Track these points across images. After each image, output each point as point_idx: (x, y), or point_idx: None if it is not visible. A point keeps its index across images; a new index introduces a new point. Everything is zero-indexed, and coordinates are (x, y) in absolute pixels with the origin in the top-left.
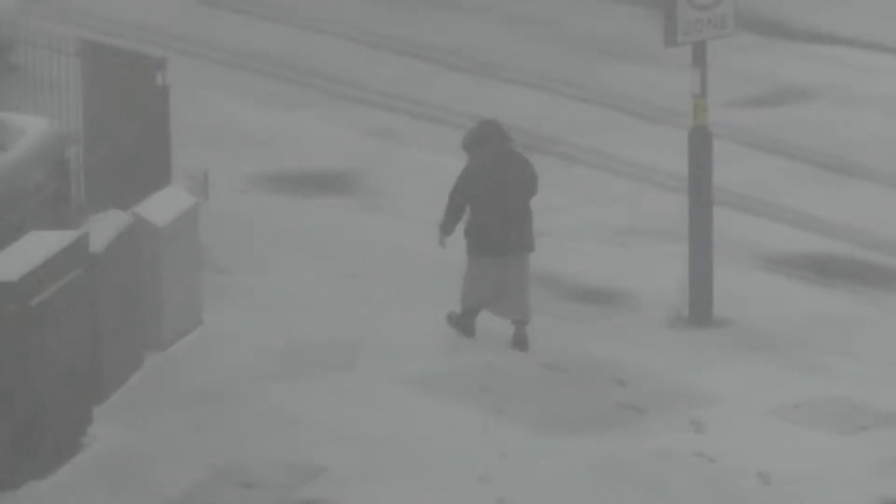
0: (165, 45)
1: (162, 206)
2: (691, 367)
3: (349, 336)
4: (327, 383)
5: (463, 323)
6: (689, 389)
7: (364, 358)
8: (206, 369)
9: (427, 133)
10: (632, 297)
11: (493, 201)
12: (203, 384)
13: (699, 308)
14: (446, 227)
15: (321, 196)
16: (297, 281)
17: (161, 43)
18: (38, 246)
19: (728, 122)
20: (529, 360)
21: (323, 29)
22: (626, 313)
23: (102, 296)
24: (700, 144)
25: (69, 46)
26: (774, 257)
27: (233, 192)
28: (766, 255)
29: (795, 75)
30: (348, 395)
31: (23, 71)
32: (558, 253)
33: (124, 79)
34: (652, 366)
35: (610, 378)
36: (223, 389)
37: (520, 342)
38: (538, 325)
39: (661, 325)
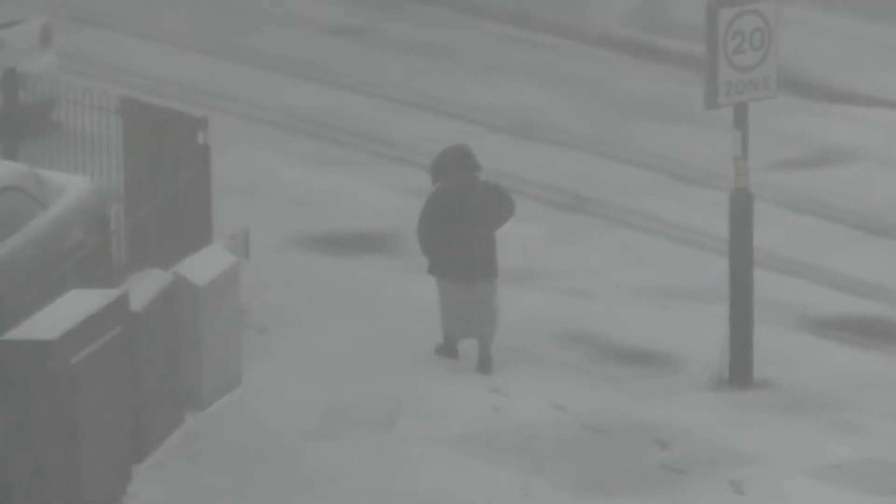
0: (207, 104)
1: (203, 266)
2: (731, 428)
3: (390, 395)
4: (367, 443)
5: (446, 349)
6: (729, 450)
7: (404, 417)
8: (246, 428)
9: None
10: (672, 358)
11: (458, 229)
12: (243, 443)
13: (739, 369)
14: (427, 256)
15: (362, 255)
16: (337, 340)
17: (202, 102)
18: (79, 304)
19: (769, 184)
20: (570, 421)
21: (365, 89)
22: (667, 374)
23: (143, 354)
24: (741, 206)
25: (110, 104)
26: (815, 318)
27: (274, 251)
28: (806, 316)
29: (836, 137)
30: (388, 455)
31: (64, 128)
32: (599, 313)
33: (165, 137)
34: (692, 427)
35: (650, 439)
36: (263, 448)
37: (484, 364)
38: (578, 385)
39: (701, 386)
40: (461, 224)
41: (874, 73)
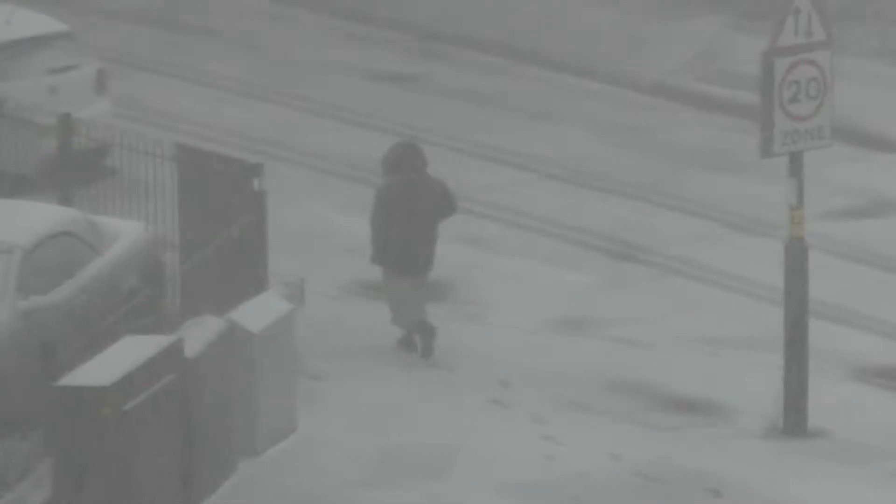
0: (261, 151)
1: (257, 312)
2: (785, 477)
3: (443, 444)
4: (420, 492)
5: (405, 340)
6: (781, 500)
7: (458, 466)
8: (299, 476)
9: (521, 241)
10: (725, 407)
11: (406, 223)
12: (296, 491)
13: (793, 418)
14: (375, 250)
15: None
16: (391, 388)
17: (257, 149)
18: (133, 351)
19: (823, 233)
20: (623, 470)
21: (420, 137)
22: (720, 423)
23: (196, 401)
24: (796, 255)
25: (165, 150)
26: (869, 368)
27: (329, 298)
28: (860, 365)
29: (890, 186)
30: None
31: (118, 175)
32: (652, 362)
33: (220, 184)
34: (745, 476)
35: (703, 488)
36: (317, 497)
37: (427, 351)
38: (631, 434)
39: (755, 436)
40: (407, 219)
41: None
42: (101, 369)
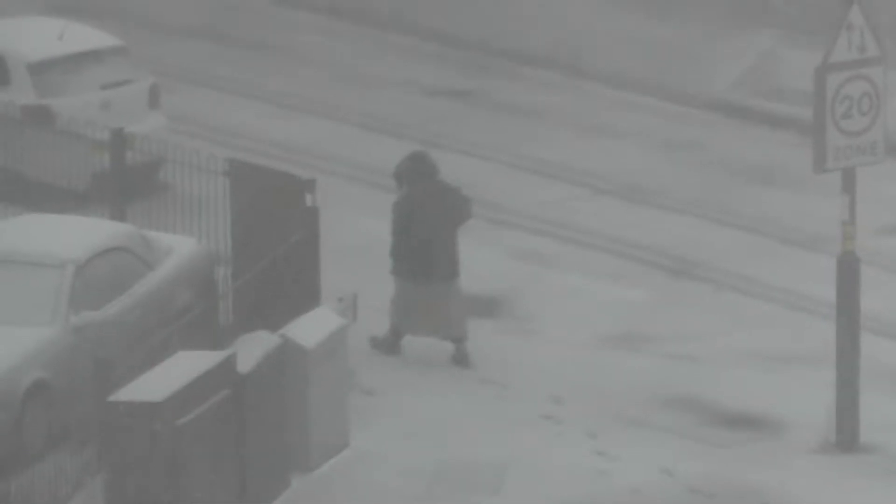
0: (314, 166)
1: (310, 328)
2: (838, 492)
3: (497, 459)
4: None
5: (388, 343)
6: None
7: (511, 481)
8: (352, 491)
9: (576, 256)
10: (779, 422)
11: (423, 232)
12: None
13: (846, 434)
14: (393, 258)
15: (471, 318)
16: (444, 402)
17: (310, 163)
18: (185, 366)
19: (876, 249)
20: (676, 486)
21: (473, 152)
22: (773, 438)
23: (249, 417)
24: (848, 271)
25: (218, 165)
26: None
27: (382, 313)
28: None
29: None
30: None
31: (171, 189)
32: (706, 378)
33: (273, 199)
34: (799, 491)
35: (757, 503)
36: None
37: (461, 360)
38: (684, 450)
39: (808, 451)
40: (425, 228)
41: None
42: (155, 385)
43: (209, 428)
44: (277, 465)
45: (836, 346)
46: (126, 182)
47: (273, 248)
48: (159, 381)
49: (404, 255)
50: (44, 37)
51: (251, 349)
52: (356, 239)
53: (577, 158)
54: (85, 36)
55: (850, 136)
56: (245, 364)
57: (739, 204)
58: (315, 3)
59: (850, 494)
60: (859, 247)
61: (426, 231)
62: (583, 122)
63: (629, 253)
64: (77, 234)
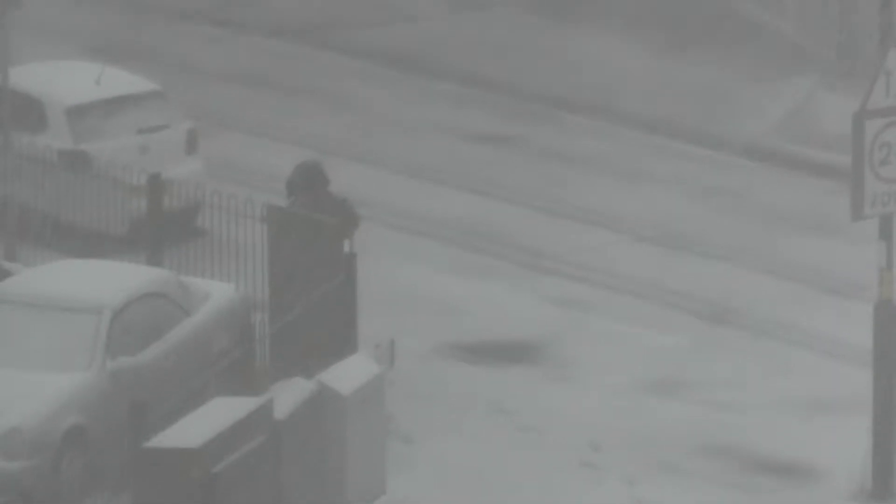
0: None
1: (347, 374)
2: None
3: None
4: None
5: None
6: None
7: None
8: None
9: (615, 303)
10: (815, 470)
11: None
12: None
13: (882, 481)
14: None
15: (507, 365)
16: (482, 450)
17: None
18: (222, 412)
19: None
20: None
21: (512, 198)
22: (809, 486)
23: (286, 463)
24: (885, 317)
25: (256, 211)
26: None
27: (419, 360)
28: None
29: None
30: None
31: (208, 235)
32: (743, 425)
33: (311, 245)
34: None
35: None
36: None
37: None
38: (722, 497)
39: (843, 498)
40: None
41: None
42: (191, 430)
43: (245, 474)
44: None
45: (872, 393)
46: (163, 227)
47: (310, 294)
48: (196, 427)
49: None
50: (81, 81)
51: (287, 396)
52: (394, 285)
53: (616, 204)
54: (122, 80)
55: (888, 183)
56: (282, 410)
57: (777, 250)
58: (355, 48)
59: None
60: None
61: None
62: (622, 168)
63: (668, 299)
64: (114, 280)
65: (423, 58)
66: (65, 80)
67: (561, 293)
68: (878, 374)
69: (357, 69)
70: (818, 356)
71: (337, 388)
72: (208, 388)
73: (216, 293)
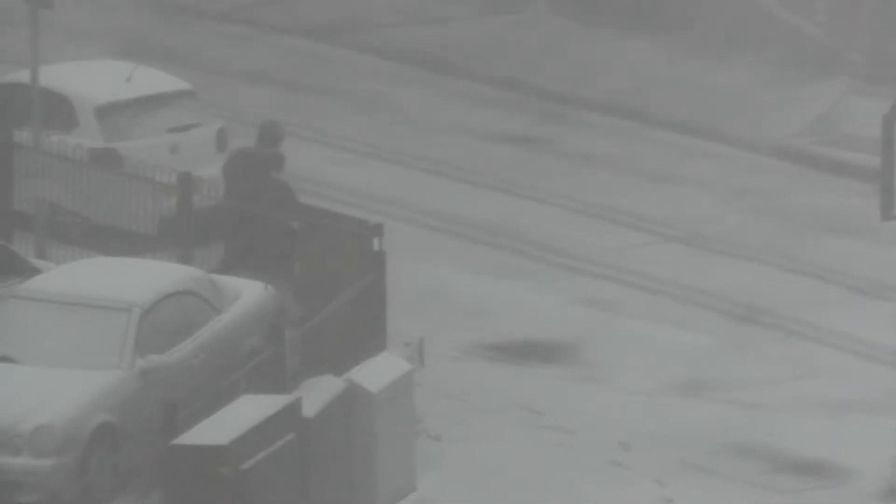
0: (381, 212)
1: (377, 373)
2: None
3: None
4: None
5: None
6: None
7: None
8: None
9: (643, 303)
10: (844, 470)
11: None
12: None
13: None
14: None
15: (536, 365)
16: (511, 450)
17: (377, 209)
18: (251, 410)
19: None
20: None
21: (540, 198)
22: (839, 486)
23: (315, 461)
24: None
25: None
26: None
27: (448, 359)
28: None
29: None
30: None
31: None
32: (772, 425)
33: (340, 244)
34: None
35: None
36: None
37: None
38: (749, 497)
39: (872, 498)
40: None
41: None
42: (220, 428)
43: (274, 472)
44: None
45: None
46: (193, 226)
47: (340, 293)
48: (225, 425)
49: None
50: (111, 80)
51: (317, 394)
52: (423, 284)
53: (644, 205)
54: (152, 79)
55: None
56: (310, 408)
57: (806, 251)
58: (385, 49)
59: None
60: None
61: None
62: (649, 169)
63: (696, 299)
64: (144, 278)
65: (453, 59)
66: (95, 79)
67: (590, 293)
68: None
69: (387, 70)
70: (846, 356)
71: (366, 385)
72: (238, 386)
73: (247, 292)
